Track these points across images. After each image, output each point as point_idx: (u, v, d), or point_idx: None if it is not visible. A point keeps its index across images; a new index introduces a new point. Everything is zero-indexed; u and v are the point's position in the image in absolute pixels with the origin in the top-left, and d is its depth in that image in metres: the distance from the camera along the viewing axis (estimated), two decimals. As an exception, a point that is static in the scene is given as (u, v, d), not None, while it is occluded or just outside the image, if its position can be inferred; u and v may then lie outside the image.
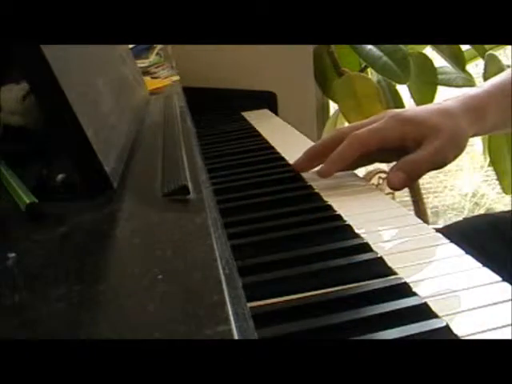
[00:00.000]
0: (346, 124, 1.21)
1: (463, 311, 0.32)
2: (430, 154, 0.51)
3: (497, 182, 1.39)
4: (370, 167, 1.69)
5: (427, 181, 1.97)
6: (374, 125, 0.54)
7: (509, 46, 1.33)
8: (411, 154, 0.52)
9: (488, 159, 1.35)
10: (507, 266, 0.44)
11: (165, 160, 0.44)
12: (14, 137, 0.46)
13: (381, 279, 0.36)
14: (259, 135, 0.81)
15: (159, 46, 1.05)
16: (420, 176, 0.54)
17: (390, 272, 0.37)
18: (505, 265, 0.37)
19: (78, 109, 0.34)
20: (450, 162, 0.54)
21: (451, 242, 0.41)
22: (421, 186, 1.48)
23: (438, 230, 0.43)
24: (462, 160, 2.04)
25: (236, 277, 0.33)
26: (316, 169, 0.58)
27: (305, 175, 0.59)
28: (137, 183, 0.39)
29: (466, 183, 2.06)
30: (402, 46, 1.17)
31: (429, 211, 1.64)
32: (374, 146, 0.53)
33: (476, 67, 1.47)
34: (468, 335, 0.30)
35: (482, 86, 0.59)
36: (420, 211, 1.43)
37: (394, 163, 0.54)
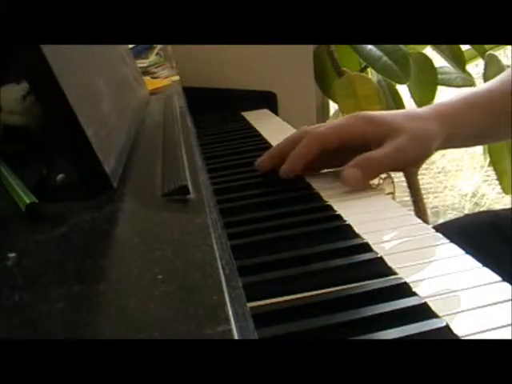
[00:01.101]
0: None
1: (463, 311, 0.32)
2: (389, 153, 0.50)
3: (497, 182, 1.39)
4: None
5: (427, 181, 1.97)
6: (334, 122, 0.53)
7: (509, 46, 1.33)
8: (370, 152, 0.51)
9: (488, 159, 1.35)
10: (507, 264, 0.44)
11: (165, 160, 0.44)
12: (14, 137, 0.46)
13: (381, 279, 0.36)
14: (259, 135, 0.81)
15: (159, 46, 1.05)
16: (377, 174, 0.52)
17: (390, 272, 0.37)
18: (504, 263, 0.37)
19: (77, 109, 0.34)
20: (413, 164, 0.53)
21: (450, 239, 0.41)
22: (421, 186, 1.48)
23: (436, 228, 0.43)
24: (462, 160, 2.04)
25: (236, 277, 0.33)
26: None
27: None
28: (137, 183, 0.39)
29: (465, 183, 2.06)
30: (402, 46, 1.17)
31: (429, 211, 1.64)
32: (332, 142, 0.52)
33: (476, 67, 1.47)
34: (468, 335, 0.30)
35: (459, 96, 0.58)
36: (420, 211, 1.43)
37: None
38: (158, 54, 1.04)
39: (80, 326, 0.22)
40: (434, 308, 0.32)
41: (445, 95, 1.30)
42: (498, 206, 1.98)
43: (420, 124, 0.52)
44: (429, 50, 1.31)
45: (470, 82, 1.26)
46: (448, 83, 1.29)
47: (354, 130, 0.52)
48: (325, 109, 1.41)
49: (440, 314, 0.31)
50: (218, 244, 0.29)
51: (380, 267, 0.38)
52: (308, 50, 1.20)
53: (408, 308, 0.32)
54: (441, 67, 1.30)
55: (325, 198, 0.51)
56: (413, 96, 1.26)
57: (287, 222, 0.46)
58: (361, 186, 0.50)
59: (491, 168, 1.38)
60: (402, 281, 0.35)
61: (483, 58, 1.24)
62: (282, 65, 1.15)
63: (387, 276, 0.36)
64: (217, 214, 0.42)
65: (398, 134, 0.51)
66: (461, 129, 0.55)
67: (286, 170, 0.54)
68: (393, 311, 0.32)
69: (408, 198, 1.47)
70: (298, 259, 0.39)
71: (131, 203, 0.35)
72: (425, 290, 0.34)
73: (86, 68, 0.44)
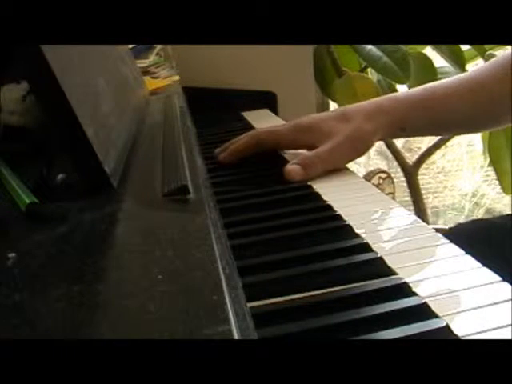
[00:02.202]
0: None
1: (463, 311, 0.32)
2: (322, 153, 0.58)
3: (497, 182, 1.39)
4: (370, 167, 1.69)
5: (427, 181, 1.97)
6: (276, 128, 0.63)
7: (509, 46, 1.33)
8: (308, 152, 0.59)
9: (488, 159, 1.35)
10: (505, 272, 0.44)
11: (165, 160, 0.44)
12: (14, 137, 0.46)
13: (381, 279, 0.36)
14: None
15: (159, 46, 1.05)
16: (315, 172, 0.58)
17: (390, 272, 0.37)
18: (502, 271, 0.37)
19: (78, 109, 0.34)
20: (351, 159, 0.60)
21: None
22: (421, 186, 1.48)
23: (437, 231, 0.43)
24: (462, 160, 2.05)
25: (236, 277, 0.33)
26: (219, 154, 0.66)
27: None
28: (137, 183, 0.39)
29: (466, 183, 2.06)
30: (402, 46, 1.17)
31: (429, 211, 1.64)
32: (267, 146, 0.63)
33: (476, 67, 1.47)
34: (468, 335, 0.30)
35: (403, 93, 0.64)
36: (420, 211, 1.43)
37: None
38: (157, 54, 1.04)
39: (80, 325, 0.22)
40: (434, 308, 0.32)
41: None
42: (498, 206, 1.99)
43: (351, 126, 0.59)
44: (429, 50, 1.31)
45: (470, 82, 1.26)
46: (448, 83, 1.28)
47: (286, 139, 0.62)
48: (325, 109, 1.41)
49: (440, 314, 0.31)
50: (217, 244, 0.29)
51: (380, 267, 0.38)
52: (308, 50, 1.20)
53: (408, 308, 0.32)
54: (441, 67, 1.30)
55: (325, 198, 0.51)
56: (413, 96, 1.26)
57: (287, 222, 0.46)
58: (300, 180, 0.57)
59: (491, 168, 1.38)
60: (402, 281, 0.35)
61: (483, 57, 1.24)
62: (281, 65, 1.15)
63: (387, 276, 0.36)
64: (217, 214, 0.42)
65: (328, 138, 0.58)
66: (410, 120, 0.60)
67: (223, 159, 0.64)
68: (393, 311, 0.32)
69: (408, 198, 1.48)
70: (298, 259, 0.39)
71: (131, 203, 0.35)
72: (425, 290, 0.34)
73: (86, 68, 0.44)
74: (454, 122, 0.63)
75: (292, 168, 0.57)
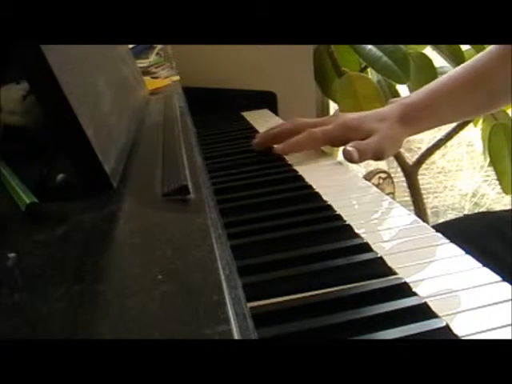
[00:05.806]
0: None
1: (463, 311, 0.32)
2: (371, 144, 0.66)
3: (497, 182, 1.39)
4: (370, 167, 1.69)
5: (427, 181, 1.97)
6: (327, 127, 0.69)
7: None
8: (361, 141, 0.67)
9: (488, 159, 1.35)
10: (506, 265, 0.44)
11: (165, 160, 0.44)
12: (14, 137, 0.46)
13: (381, 279, 0.36)
14: (259, 135, 0.81)
15: (159, 46, 1.05)
16: (366, 158, 0.66)
17: (390, 272, 0.37)
18: (503, 264, 0.37)
19: (78, 109, 0.34)
20: (387, 155, 0.69)
21: (449, 239, 0.41)
22: (421, 186, 1.48)
23: (435, 228, 0.43)
24: (462, 160, 2.05)
25: (236, 277, 0.33)
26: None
27: (305, 175, 0.59)
28: (137, 183, 0.39)
29: (465, 183, 2.06)
30: (401, 46, 1.17)
31: (429, 211, 1.64)
32: (322, 144, 0.71)
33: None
34: (468, 335, 0.30)
35: (422, 90, 0.70)
36: (420, 211, 1.43)
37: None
38: (158, 54, 1.04)
39: (80, 325, 0.22)
40: (434, 308, 0.32)
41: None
42: (497, 206, 1.99)
43: (387, 126, 0.68)
44: (429, 50, 1.31)
45: (470, 82, 1.26)
46: (448, 83, 1.28)
47: (340, 138, 0.68)
48: (325, 109, 1.41)
49: (440, 314, 0.31)
50: (217, 244, 0.29)
51: (380, 267, 0.38)
52: (308, 50, 1.20)
53: (408, 308, 0.32)
54: (441, 67, 1.30)
55: (325, 198, 0.51)
56: (413, 96, 1.26)
57: (287, 222, 0.46)
58: (357, 161, 0.65)
59: (491, 168, 1.38)
60: (402, 281, 0.35)
61: (483, 57, 1.23)
62: (282, 65, 1.15)
63: (387, 276, 0.36)
64: (217, 214, 0.42)
65: (372, 134, 0.67)
66: (427, 122, 0.70)
67: (281, 150, 0.69)
68: (393, 311, 0.32)
69: (408, 198, 1.48)
70: (298, 259, 0.39)
71: (131, 203, 0.35)
72: (425, 290, 0.34)
73: (86, 68, 0.44)
74: (461, 116, 0.77)
75: (352, 150, 0.65)
